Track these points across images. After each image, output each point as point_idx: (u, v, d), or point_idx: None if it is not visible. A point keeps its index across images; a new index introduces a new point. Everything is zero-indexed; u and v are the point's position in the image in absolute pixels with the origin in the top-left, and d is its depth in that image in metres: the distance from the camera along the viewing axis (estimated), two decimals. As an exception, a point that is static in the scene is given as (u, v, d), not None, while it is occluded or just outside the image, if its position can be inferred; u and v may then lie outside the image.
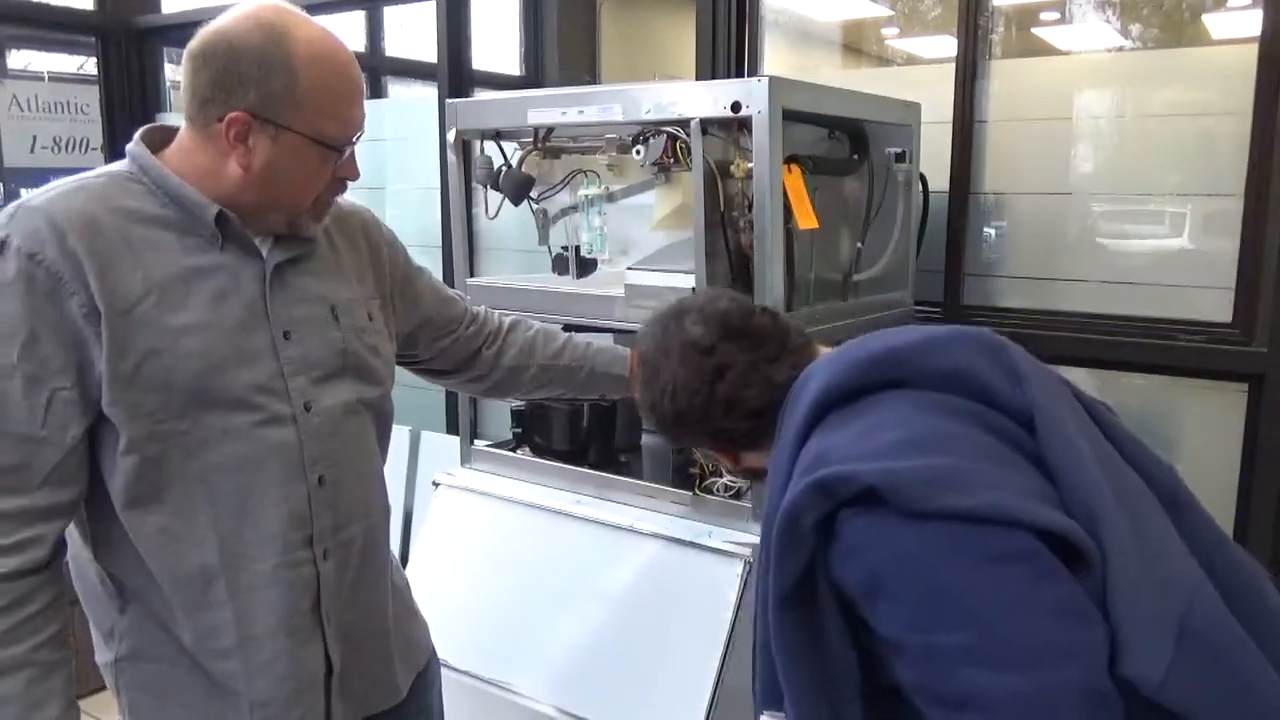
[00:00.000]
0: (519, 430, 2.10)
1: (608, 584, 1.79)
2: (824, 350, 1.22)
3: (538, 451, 2.07)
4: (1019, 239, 2.26)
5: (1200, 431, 2.14)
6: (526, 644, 1.82)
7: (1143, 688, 0.87)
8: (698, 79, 2.49)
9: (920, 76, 2.50)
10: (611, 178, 1.99)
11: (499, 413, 2.26)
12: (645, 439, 2.19)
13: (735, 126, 1.66)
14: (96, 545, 1.20)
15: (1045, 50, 2.40)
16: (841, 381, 1.07)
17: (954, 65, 2.24)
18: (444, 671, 1.57)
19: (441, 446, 3.00)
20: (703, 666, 1.61)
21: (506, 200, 1.98)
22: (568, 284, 1.98)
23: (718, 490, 1.79)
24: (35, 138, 3.76)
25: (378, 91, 4.13)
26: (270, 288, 1.20)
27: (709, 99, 1.61)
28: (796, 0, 2.84)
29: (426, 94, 3.13)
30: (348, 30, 3.98)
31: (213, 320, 1.15)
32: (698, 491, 1.79)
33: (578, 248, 2.01)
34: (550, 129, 1.94)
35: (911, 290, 2.15)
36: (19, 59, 3.94)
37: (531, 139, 1.97)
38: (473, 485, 2.06)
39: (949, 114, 2.25)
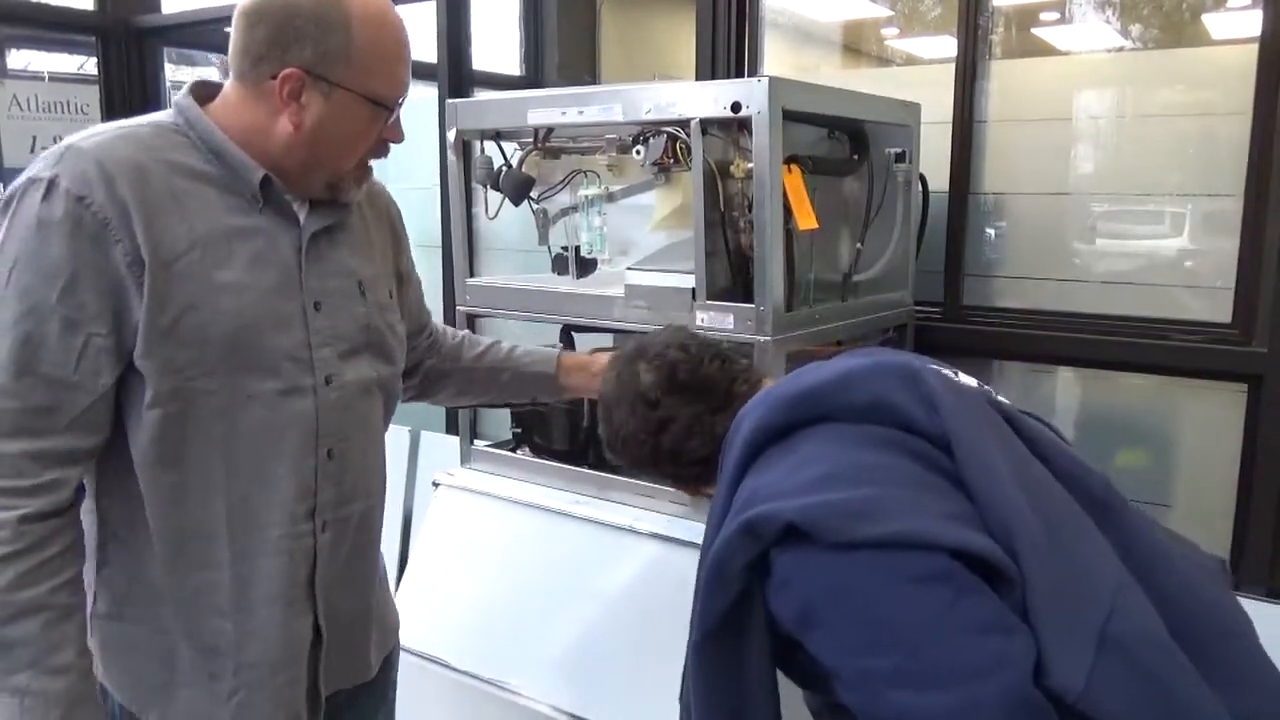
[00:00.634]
0: (519, 430, 2.10)
1: (607, 584, 1.79)
2: (767, 384, 1.25)
3: (537, 451, 2.06)
4: (1019, 239, 2.26)
5: (1199, 432, 2.14)
6: (526, 644, 1.82)
7: (1065, 697, 0.90)
8: (698, 79, 2.49)
9: (920, 77, 2.50)
10: (611, 178, 1.99)
11: (499, 413, 2.26)
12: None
13: (735, 127, 1.66)
14: (99, 496, 1.19)
15: (1045, 50, 2.40)
16: (771, 421, 1.12)
17: (954, 65, 2.24)
18: (444, 671, 1.57)
19: (441, 446, 3.00)
20: (702, 666, 1.61)
21: (506, 200, 1.98)
22: (567, 284, 1.99)
23: (717, 490, 1.79)
24: (35, 138, 3.76)
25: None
26: (305, 257, 1.20)
27: (709, 99, 1.62)
28: (796, 0, 2.84)
29: (426, 94, 3.12)
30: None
31: (251, 282, 1.15)
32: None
33: (577, 248, 2.00)
34: (550, 129, 1.94)
35: (911, 290, 2.15)
36: (19, 59, 3.94)
37: (531, 139, 1.97)
38: (472, 485, 2.06)
39: (949, 114, 2.25)
